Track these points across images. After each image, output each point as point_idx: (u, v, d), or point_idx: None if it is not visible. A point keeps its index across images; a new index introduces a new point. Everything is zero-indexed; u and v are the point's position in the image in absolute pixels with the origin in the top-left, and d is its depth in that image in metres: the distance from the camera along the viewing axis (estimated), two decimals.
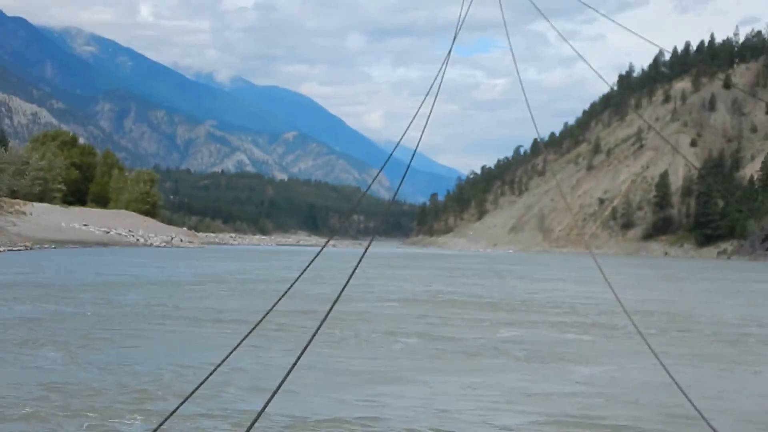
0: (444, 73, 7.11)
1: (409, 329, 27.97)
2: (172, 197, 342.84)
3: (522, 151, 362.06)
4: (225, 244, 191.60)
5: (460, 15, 7.02)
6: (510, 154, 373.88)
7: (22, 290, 39.25)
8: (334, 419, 13.95)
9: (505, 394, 16.75)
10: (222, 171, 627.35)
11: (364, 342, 24.42)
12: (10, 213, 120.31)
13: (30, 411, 13.87)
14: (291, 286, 6.06)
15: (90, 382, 16.58)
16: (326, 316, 5.79)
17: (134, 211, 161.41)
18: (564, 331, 28.36)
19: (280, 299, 6.09)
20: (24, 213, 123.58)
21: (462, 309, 36.80)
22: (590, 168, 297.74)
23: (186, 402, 6.54)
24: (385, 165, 7.15)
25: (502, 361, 21.38)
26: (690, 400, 5.93)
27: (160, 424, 5.94)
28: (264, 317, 6.14)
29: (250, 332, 6.23)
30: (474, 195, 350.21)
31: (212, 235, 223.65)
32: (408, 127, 6.93)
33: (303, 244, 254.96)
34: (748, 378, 20.18)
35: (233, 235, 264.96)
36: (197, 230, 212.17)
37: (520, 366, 20.60)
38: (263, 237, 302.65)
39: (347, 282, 5.88)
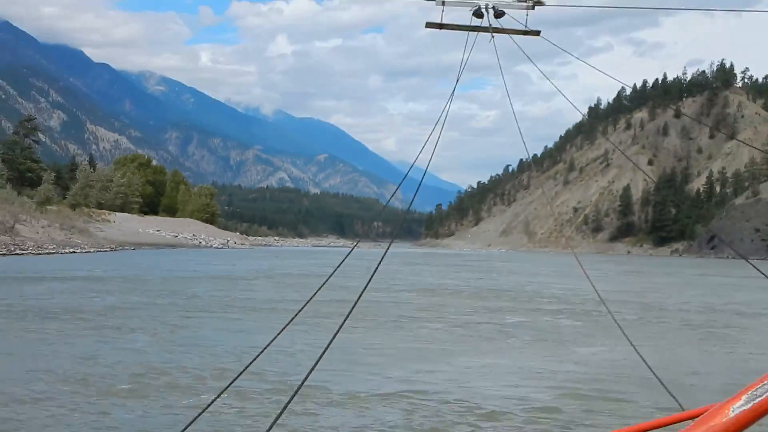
0: (449, 109, 7.23)
1: (431, 315, 27.61)
2: (227, 208, 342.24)
3: (510, 169, 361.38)
4: (270, 245, 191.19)
5: (462, 60, 7.14)
6: (500, 171, 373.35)
7: (111, 284, 39.26)
8: (377, 393, 13.66)
9: (518, 371, 16.52)
10: (267, 186, 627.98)
11: (394, 327, 24.08)
12: (98, 221, 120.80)
13: (128, 387, 13.63)
14: (327, 279, 6.12)
15: (177, 362, 16.39)
16: (355, 303, 5.85)
17: (197, 219, 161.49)
18: (558, 318, 27.97)
19: (318, 290, 6.15)
20: (109, 221, 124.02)
21: (470, 299, 36.44)
22: (566, 183, 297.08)
23: (243, 375, 6.61)
24: (402, 182, 7.27)
25: (511, 343, 21.10)
26: (658, 377, 5.95)
27: (217, 396, 5.92)
28: (305, 306, 6.19)
29: (293, 318, 6.26)
30: (471, 205, 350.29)
31: (260, 238, 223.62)
32: (420, 151, 7.04)
33: (333, 245, 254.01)
34: (720, 357, 19.89)
35: (276, 238, 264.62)
36: (247, 234, 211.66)
37: (527, 348, 20.32)
38: (300, 240, 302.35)
39: (372, 276, 5.96)
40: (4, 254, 69.39)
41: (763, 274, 5.95)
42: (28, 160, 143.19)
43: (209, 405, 5.59)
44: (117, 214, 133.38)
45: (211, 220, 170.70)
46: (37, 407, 11.99)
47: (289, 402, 5.22)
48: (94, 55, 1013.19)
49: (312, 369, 5.54)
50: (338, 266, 6.16)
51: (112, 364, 15.86)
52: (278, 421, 10.91)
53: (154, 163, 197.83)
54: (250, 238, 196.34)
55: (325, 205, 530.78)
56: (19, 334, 20.44)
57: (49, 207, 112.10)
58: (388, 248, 6.88)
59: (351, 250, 6.61)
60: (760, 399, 1.15)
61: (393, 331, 23.16)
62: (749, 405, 1.16)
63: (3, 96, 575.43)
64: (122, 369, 15.36)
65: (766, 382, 1.17)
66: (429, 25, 6.95)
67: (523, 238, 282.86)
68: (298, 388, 5.35)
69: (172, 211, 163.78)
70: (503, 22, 6.90)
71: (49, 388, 13.30)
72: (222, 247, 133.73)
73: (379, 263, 6.10)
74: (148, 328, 22.07)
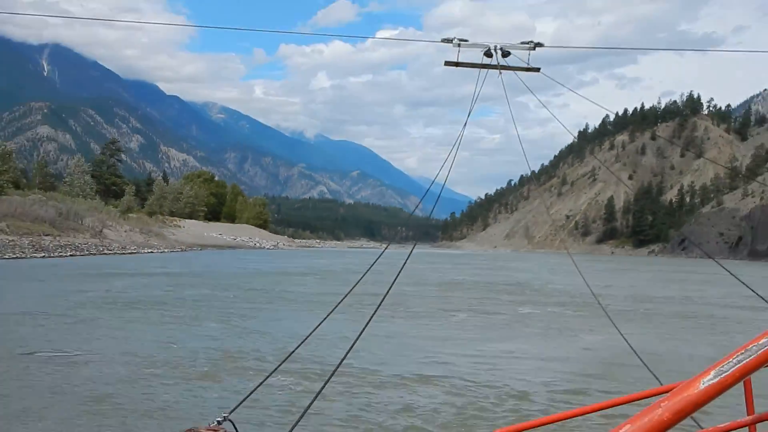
0: (462, 135, 7.30)
1: (456, 307, 27.20)
2: (276, 215, 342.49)
3: (512, 183, 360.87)
4: (312, 246, 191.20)
5: (474, 93, 7.22)
6: (504, 185, 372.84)
7: (184, 279, 39.25)
8: (420, 375, 13.34)
9: (535, 356, 16.21)
10: (309, 198, 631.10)
11: (427, 317, 23.67)
12: (171, 226, 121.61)
13: (205, 370, 13.33)
14: (363, 275, 6.09)
15: (244, 346, 16.11)
16: (385, 294, 5.81)
17: (252, 224, 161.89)
18: (563, 309, 27.47)
19: (355, 285, 6.11)
20: (179, 226, 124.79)
21: (486, 292, 35.96)
22: (560, 194, 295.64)
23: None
24: (424, 196, 7.31)
25: (527, 331, 20.72)
26: (642, 360, 5.93)
27: (270, 373, 5.87)
28: (343, 299, 6.13)
29: (332, 311, 6.18)
30: (480, 213, 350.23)
31: (303, 241, 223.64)
32: (440, 169, 7.10)
33: (365, 247, 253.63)
34: (696, 341, 19.23)
35: (317, 241, 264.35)
36: (294, 238, 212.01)
37: (540, 335, 19.93)
38: (338, 242, 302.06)
39: (399, 272, 5.94)
40: (95, 254, 70.05)
41: (728, 271, 5.98)
42: (113, 176, 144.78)
43: (260, 384, 5.55)
44: (186, 220, 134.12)
45: (263, 225, 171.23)
46: (130, 386, 11.82)
47: (328, 380, 5.18)
48: (167, 88, 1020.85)
49: (348, 351, 5.51)
50: (373, 264, 6.15)
51: (191, 349, 15.67)
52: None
53: (216, 178, 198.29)
54: (296, 240, 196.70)
55: (358, 213, 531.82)
56: (110, 321, 20.30)
57: (130, 215, 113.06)
58: (412, 250, 6.88)
59: (383, 251, 6.61)
60: (725, 374, 1.15)
61: (426, 320, 22.77)
62: (717, 379, 1.16)
63: (92, 123, 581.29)
64: (200, 353, 15.11)
65: (731, 359, 1.17)
66: (447, 63, 7.00)
67: (524, 241, 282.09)
68: (336, 368, 5.33)
69: (231, 218, 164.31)
70: (509, 61, 6.97)
71: (139, 370, 13.12)
72: (273, 248, 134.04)
73: (405, 262, 6.10)
74: (218, 317, 21.85)
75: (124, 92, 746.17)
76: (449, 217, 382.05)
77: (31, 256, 58.87)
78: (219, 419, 3.68)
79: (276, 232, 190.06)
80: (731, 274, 5.87)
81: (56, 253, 63.97)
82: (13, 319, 20.00)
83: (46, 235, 73.05)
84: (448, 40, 6.80)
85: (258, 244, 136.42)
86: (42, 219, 77.71)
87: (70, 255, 65.04)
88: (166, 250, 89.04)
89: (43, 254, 61.66)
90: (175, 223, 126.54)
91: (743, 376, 1.22)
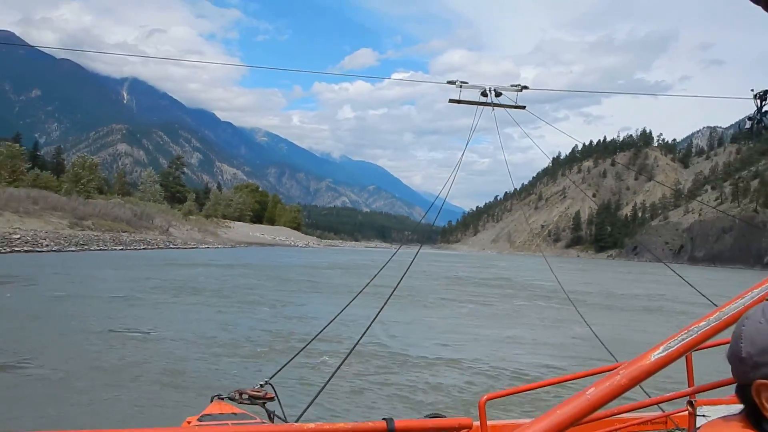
0: (462, 159, 7.34)
1: (460, 298, 26.60)
2: (307, 220, 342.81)
3: (498, 198, 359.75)
4: (336, 246, 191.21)
5: (472, 125, 7.29)
6: (492, 199, 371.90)
7: (235, 270, 38.74)
8: (438, 358, 12.84)
9: (533, 343, 15.65)
10: (334, 206, 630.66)
11: (438, 307, 23.05)
12: (223, 227, 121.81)
13: (261, 350, 12.80)
14: (380, 270, 6.02)
15: (293, 330, 15.52)
16: (396, 287, 5.78)
17: (288, 227, 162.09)
18: (550, 302, 26.65)
19: (373, 278, 6.07)
20: (230, 227, 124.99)
21: (483, 287, 35.20)
22: (537, 208, 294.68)
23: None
24: (430, 208, 7.33)
25: (524, 321, 20.12)
26: (602, 342, 5.94)
27: (296, 354, 5.72)
28: (364, 288, 6.05)
29: (353, 300, 6.06)
30: (472, 221, 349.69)
31: (329, 241, 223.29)
32: (443, 188, 7.11)
33: (378, 247, 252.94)
34: (651, 328, 18.57)
35: (340, 241, 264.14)
36: (321, 238, 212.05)
37: (537, 325, 19.33)
38: (356, 243, 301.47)
39: (408, 268, 5.83)
40: (162, 248, 70.25)
41: (676, 273, 6.01)
42: (177, 185, 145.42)
43: (294, 356, 5.38)
44: (235, 222, 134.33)
45: (297, 228, 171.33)
46: (198, 363, 11.34)
47: (348, 354, 5.07)
48: (222, 116, 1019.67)
49: (365, 332, 5.42)
50: (389, 260, 6.10)
51: (248, 331, 15.10)
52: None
53: (260, 189, 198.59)
54: (322, 240, 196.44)
55: (373, 220, 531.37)
56: (177, 304, 19.87)
57: (191, 216, 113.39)
58: (418, 250, 6.85)
59: (396, 251, 6.57)
60: (671, 349, 1.15)
61: (438, 310, 22.16)
62: (664, 353, 1.15)
63: (161, 142, 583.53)
64: (254, 336, 14.51)
65: (676, 338, 1.17)
66: (452, 100, 7.03)
67: (507, 245, 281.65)
68: (354, 346, 5.22)
69: (271, 221, 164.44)
70: (500, 100, 7.01)
71: (204, 350, 12.56)
72: (304, 246, 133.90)
73: (413, 260, 6.07)
74: (266, 303, 21.28)
75: (187, 118, 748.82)
76: (447, 224, 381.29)
77: (111, 249, 59.14)
78: (261, 383, 3.73)
79: (307, 234, 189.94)
80: (678, 274, 5.87)
81: (131, 247, 64.23)
82: (102, 301, 19.67)
83: (124, 232, 73.40)
84: (452, 82, 6.84)
85: (292, 243, 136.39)
86: (120, 218, 78.09)
87: (143, 248, 65.29)
88: (219, 246, 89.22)
89: (121, 247, 61.92)
90: (226, 224, 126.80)
91: (686, 351, 1.22)
